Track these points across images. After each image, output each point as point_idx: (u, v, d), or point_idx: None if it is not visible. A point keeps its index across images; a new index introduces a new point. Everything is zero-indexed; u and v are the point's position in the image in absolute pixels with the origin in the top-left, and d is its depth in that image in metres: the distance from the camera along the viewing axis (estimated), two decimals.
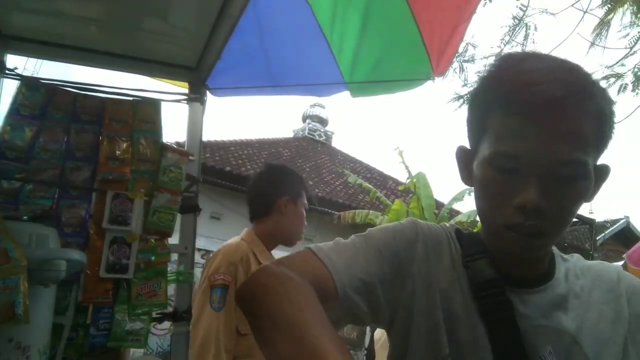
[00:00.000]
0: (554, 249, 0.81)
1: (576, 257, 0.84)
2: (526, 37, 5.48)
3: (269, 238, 1.89)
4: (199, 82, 1.72)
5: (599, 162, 0.71)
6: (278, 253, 1.96)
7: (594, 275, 0.80)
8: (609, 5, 4.99)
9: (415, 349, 0.75)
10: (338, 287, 0.70)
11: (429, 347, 0.74)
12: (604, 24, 5.12)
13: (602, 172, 0.72)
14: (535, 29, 5.48)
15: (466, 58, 5.97)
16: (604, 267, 0.82)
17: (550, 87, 0.63)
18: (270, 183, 1.97)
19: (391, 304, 0.76)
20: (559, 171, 0.64)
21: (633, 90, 5.16)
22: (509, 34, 5.50)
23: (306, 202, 1.99)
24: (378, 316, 0.76)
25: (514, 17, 5.39)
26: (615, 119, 0.71)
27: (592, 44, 5.23)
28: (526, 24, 5.42)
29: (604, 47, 5.25)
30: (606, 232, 14.23)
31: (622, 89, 5.26)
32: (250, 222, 1.97)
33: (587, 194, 0.69)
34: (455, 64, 5.85)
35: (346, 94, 1.99)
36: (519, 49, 5.70)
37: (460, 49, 5.83)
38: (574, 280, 0.79)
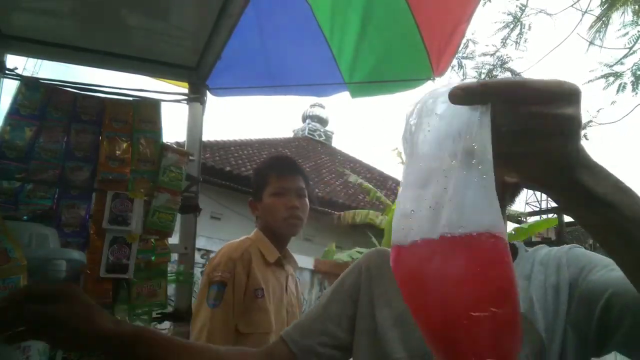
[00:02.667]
0: (518, 242, 0.90)
1: (540, 247, 0.89)
2: (520, 35, 5.49)
3: (269, 235, 1.89)
4: (199, 82, 1.72)
5: None
6: (297, 245, 1.95)
7: (547, 257, 0.84)
8: (609, 3, 4.99)
9: None
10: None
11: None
12: (602, 22, 5.12)
13: None
14: (529, 28, 5.50)
15: (465, 55, 6.00)
16: (560, 248, 0.86)
17: None
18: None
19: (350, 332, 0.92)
20: None
21: (633, 90, 5.16)
22: (506, 32, 5.51)
23: (273, 187, 1.86)
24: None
25: (511, 14, 5.41)
26: None
27: (590, 42, 5.24)
28: (521, 23, 5.44)
29: (602, 47, 5.26)
30: None
31: (621, 88, 5.27)
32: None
33: None
34: (454, 61, 5.88)
35: (346, 94, 1.99)
36: (514, 48, 5.73)
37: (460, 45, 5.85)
38: (527, 265, 0.85)
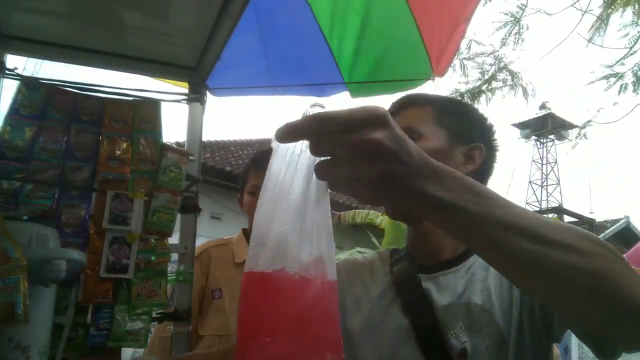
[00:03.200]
0: None
1: None
2: (519, 35, 5.48)
3: (249, 234, 1.85)
4: (199, 82, 1.72)
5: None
6: None
7: None
8: (608, 3, 4.99)
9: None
10: None
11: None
12: (601, 21, 5.12)
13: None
14: (527, 28, 5.49)
15: (468, 56, 5.99)
16: None
17: None
18: None
19: None
20: None
21: (634, 90, 5.16)
22: (506, 32, 5.50)
23: (249, 185, 1.80)
24: None
25: (510, 14, 5.40)
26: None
27: (589, 41, 5.23)
28: (519, 23, 5.43)
29: (602, 47, 5.26)
30: (606, 232, 14.23)
31: (622, 88, 5.27)
32: None
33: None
34: (455, 61, 5.88)
35: (346, 94, 1.99)
36: (511, 48, 5.73)
37: (463, 46, 5.86)
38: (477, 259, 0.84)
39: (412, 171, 0.47)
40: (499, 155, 0.98)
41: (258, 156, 1.92)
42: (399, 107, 0.96)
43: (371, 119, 0.46)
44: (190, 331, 1.63)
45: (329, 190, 0.51)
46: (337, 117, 0.46)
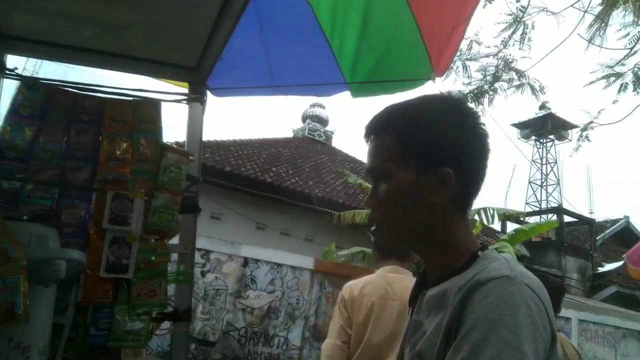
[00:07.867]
0: (488, 253, 0.80)
1: (496, 263, 0.76)
2: (523, 35, 5.49)
3: None
4: (199, 82, 1.72)
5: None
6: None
7: (470, 277, 0.75)
8: (606, 3, 4.99)
9: None
10: None
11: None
12: (601, 22, 5.11)
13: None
14: (533, 27, 5.49)
15: (469, 56, 5.98)
16: (488, 268, 0.75)
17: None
18: None
19: None
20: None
21: (634, 90, 5.16)
22: (508, 33, 5.51)
23: None
24: None
25: (512, 15, 5.40)
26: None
27: (589, 42, 5.22)
28: (524, 22, 5.43)
29: (601, 47, 5.25)
30: (606, 232, 14.23)
31: (622, 88, 5.27)
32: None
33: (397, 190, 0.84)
34: (458, 62, 5.88)
35: (347, 94, 1.99)
36: (517, 48, 5.72)
37: (464, 47, 5.86)
38: (458, 281, 0.76)
39: None
40: (489, 158, 0.85)
41: None
42: (365, 139, 0.90)
43: None
44: None
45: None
46: None
